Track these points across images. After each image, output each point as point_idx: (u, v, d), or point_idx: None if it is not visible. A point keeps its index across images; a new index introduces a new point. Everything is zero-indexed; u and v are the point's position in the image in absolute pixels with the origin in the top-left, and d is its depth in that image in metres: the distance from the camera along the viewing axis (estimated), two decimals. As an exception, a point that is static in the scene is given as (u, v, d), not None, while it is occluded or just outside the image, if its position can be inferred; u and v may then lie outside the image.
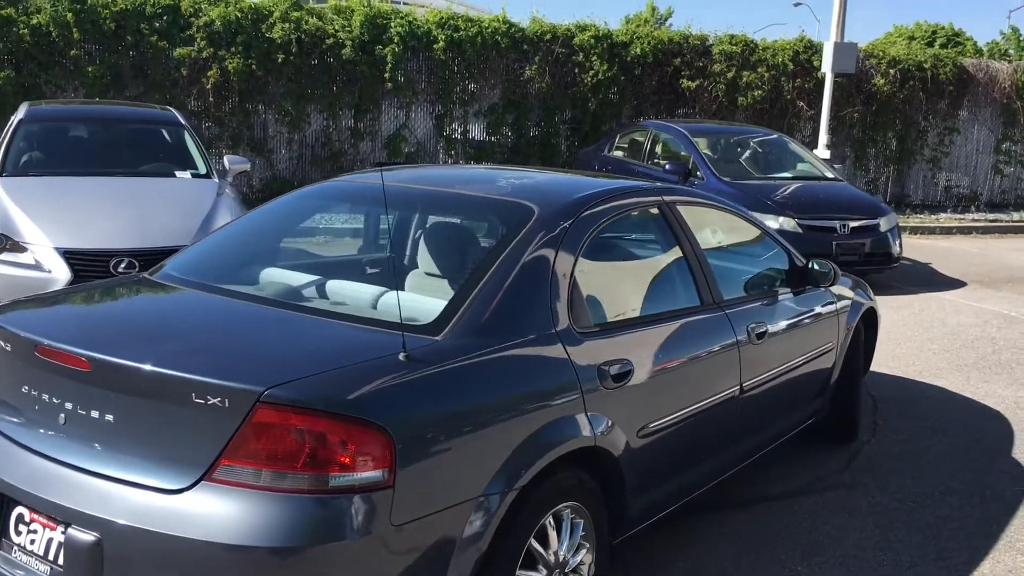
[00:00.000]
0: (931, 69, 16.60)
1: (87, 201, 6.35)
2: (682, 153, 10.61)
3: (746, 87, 15.25)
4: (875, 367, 6.52)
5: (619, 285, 3.49)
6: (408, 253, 3.82)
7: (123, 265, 5.65)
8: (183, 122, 7.84)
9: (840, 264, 9.01)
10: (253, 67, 12.32)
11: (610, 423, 2.98)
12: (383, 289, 3.06)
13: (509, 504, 2.59)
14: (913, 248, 12.63)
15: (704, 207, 4.10)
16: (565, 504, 2.86)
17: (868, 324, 5.28)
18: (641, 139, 11.53)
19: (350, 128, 13.43)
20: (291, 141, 13.25)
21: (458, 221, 3.50)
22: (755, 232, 4.41)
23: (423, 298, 3.03)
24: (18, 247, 5.73)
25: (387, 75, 12.94)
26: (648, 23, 24.11)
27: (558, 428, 2.77)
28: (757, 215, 9.13)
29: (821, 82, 14.93)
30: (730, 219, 4.30)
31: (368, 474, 2.31)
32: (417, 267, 3.36)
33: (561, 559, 2.86)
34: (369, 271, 3.63)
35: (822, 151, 14.87)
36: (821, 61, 14.59)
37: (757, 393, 3.90)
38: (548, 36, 14.14)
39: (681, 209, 3.80)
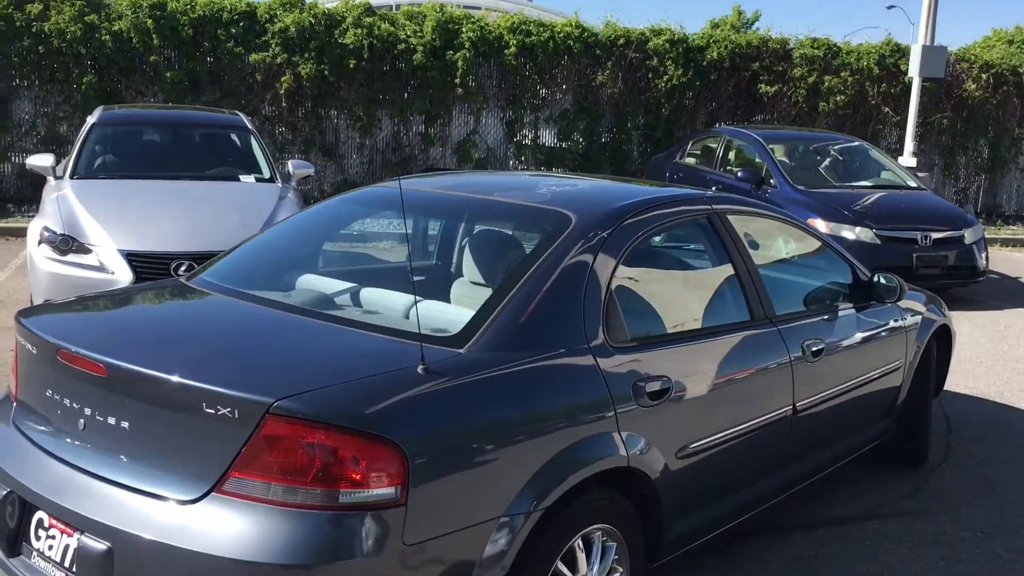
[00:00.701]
0: (1026, 74, 15.89)
1: (152, 204, 6.44)
2: (756, 160, 10.32)
3: (828, 92, 14.81)
4: (953, 387, 6.21)
5: (661, 298, 3.34)
6: (454, 261, 3.73)
7: (183, 268, 5.69)
8: (250, 127, 7.92)
9: (921, 278, 8.82)
10: (325, 72, 12.44)
11: (646, 443, 2.83)
12: (417, 298, 2.97)
13: (533, 525, 2.47)
14: (1003, 261, 12.07)
15: (760, 217, 3.91)
16: (596, 526, 2.73)
17: (941, 342, 5.00)
18: (714, 145, 11.27)
19: (420, 133, 13.47)
20: (362, 146, 13.35)
21: (496, 229, 3.40)
22: (815, 244, 4.20)
23: (457, 308, 2.93)
24: (83, 249, 5.83)
25: (458, 80, 12.93)
26: (734, 27, 23.73)
27: (588, 447, 2.64)
28: (833, 225, 8.90)
29: (908, 87, 14.40)
30: (789, 230, 4.11)
31: (380, 491, 2.22)
32: (462, 276, 3.26)
33: (591, 584, 2.72)
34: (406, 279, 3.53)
35: (908, 159, 14.36)
36: (908, 65, 14.09)
37: (813, 413, 3.69)
38: (621, 41, 13.96)
39: (733, 219, 3.63)
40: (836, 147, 10.97)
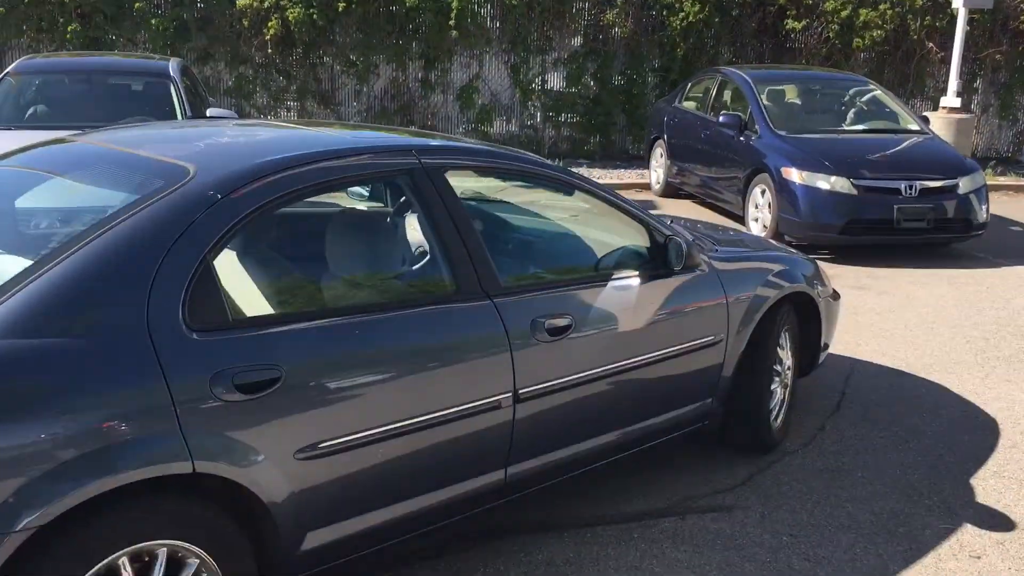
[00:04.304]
0: (1096, 2, 14.34)
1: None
2: (746, 103, 9.55)
3: (864, 27, 13.67)
4: (881, 358, 5.58)
5: (303, 273, 2.88)
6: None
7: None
8: (172, 74, 7.63)
9: (904, 232, 8.00)
10: (314, 16, 12.06)
11: (232, 443, 2.42)
12: None
13: (20, 547, 2.11)
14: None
15: (508, 173, 3.38)
16: (155, 543, 2.34)
17: (807, 312, 4.39)
18: (712, 88, 10.50)
19: (420, 79, 13.01)
20: (359, 93, 12.98)
21: (104, 188, 2.95)
22: (594, 202, 3.63)
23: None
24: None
25: (452, 23, 12.37)
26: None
27: (118, 453, 2.23)
28: (807, 174, 8.13)
29: (955, 20, 13.20)
30: (558, 187, 3.56)
31: None
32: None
33: (150, 606, 2.35)
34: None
35: (951, 99, 13.21)
36: (954, -5, 12.90)
37: (557, 400, 3.20)
38: (633, -24, 13.14)
39: (457, 175, 3.13)
40: (837, 87, 10.09)
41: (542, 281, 3.36)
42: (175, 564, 2.41)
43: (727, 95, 10.13)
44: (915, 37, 13.99)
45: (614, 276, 3.44)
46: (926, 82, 14.45)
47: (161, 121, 6.62)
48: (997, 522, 3.70)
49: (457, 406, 2.90)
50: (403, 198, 3.07)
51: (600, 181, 11.65)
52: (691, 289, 3.69)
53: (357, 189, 3.72)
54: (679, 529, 3.58)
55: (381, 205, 3.69)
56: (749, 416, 4.05)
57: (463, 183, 3.97)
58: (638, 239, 3.63)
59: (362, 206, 3.69)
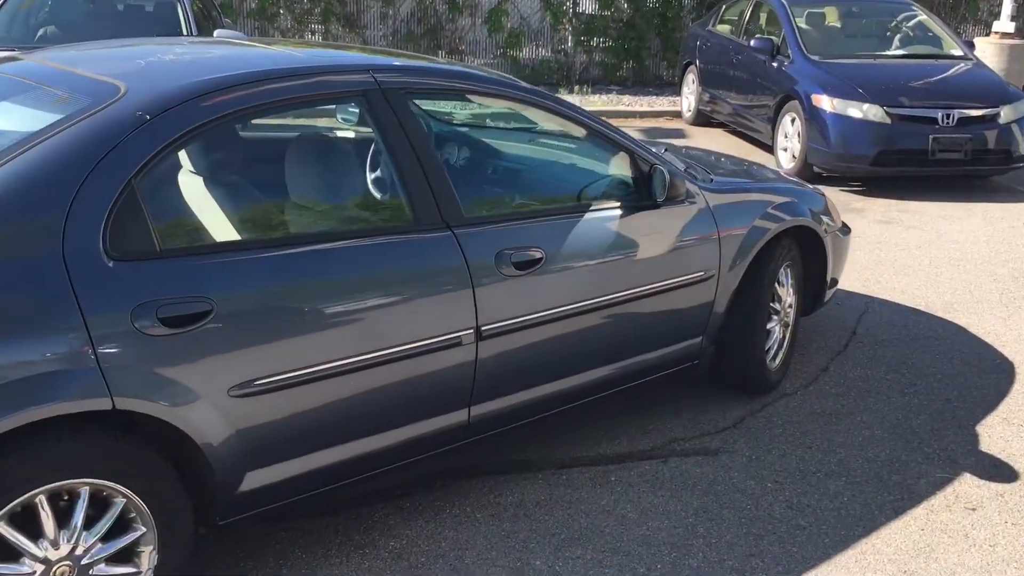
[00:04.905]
0: None
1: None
2: (780, 26, 9.10)
3: (914, -53, 12.96)
4: (900, 296, 5.32)
5: (242, 199, 2.72)
6: None
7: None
8: (182, -8, 7.45)
9: (939, 163, 7.62)
10: (338, -65, 11.73)
11: (159, 379, 2.29)
12: None
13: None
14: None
15: (477, 94, 3.16)
16: (77, 481, 2.25)
17: (812, 248, 4.15)
18: (746, 10, 10.03)
19: (448, 1, 12.64)
20: (385, 16, 12.67)
21: (26, 107, 2.79)
22: (578, 129, 3.39)
23: None
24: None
25: (479, -59, 11.97)
26: None
27: (22, 390, 2.10)
28: (839, 102, 7.74)
29: (1012, -64, 12.47)
30: (533, 112, 3.34)
31: None
32: None
33: (71, 548, 2.27)
34: None
35: (1005, 24, 12.56)
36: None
37: (526, 339, 3.03)
38: None
39: (422, 97, 2.94)
40: (880, 11, 9.58)
41: (512, 211, 3.17)
42: (101, 503, 2.33)
43: (762, 18, 9.68)
44: (970, -43, 13.28)
45: (593, 207, 3.24)
46: (979, 5, 13.76)
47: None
48: (999, 472, 3.50)
49: (411, 343, 2.75)
50: (357, 121, 2.88)
51: (631, 109, 11.43)
52: (678, 222, 3.47)
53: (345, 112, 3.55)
54: (659, 473, 3.43)
55: (370, 130, 3.51)
56: (742, 355, 3.86)
57: (459, 110, 3.80)
58: (623, 168, 3.41)
59: (349, 132, 3.51)
